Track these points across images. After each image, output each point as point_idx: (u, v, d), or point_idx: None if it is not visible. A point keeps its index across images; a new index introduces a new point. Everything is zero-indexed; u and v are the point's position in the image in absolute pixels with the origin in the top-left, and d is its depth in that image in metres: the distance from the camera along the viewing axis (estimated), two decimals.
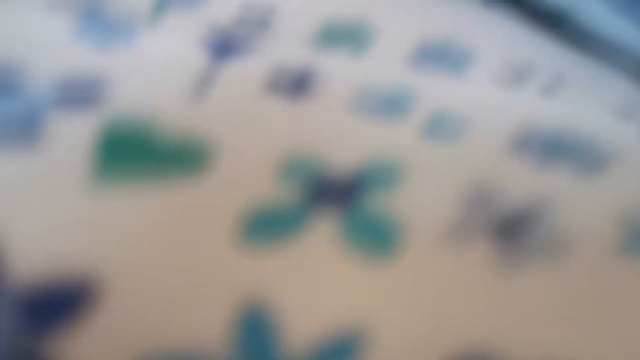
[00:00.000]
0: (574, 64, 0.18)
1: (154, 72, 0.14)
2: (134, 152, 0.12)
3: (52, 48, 0.14)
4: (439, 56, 0.17)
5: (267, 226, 0.11)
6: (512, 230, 0.12)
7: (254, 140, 0.13)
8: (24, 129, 0.12)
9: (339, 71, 0.15)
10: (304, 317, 0.10)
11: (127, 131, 0.12)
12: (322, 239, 0.11)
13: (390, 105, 0.15)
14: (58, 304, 0.09)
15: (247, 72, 0.15)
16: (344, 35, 0.17)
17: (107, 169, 0.12)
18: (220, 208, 0.11)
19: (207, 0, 0.18)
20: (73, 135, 0.12)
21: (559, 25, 0.21)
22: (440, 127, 0.14)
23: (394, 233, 0.11)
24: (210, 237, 0.11)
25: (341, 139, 0.13)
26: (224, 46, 0.16)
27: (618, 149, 0.14)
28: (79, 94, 0.13)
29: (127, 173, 0.12)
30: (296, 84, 0.15)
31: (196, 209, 0.11)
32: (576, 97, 0.16)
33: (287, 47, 0.16)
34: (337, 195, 0.12)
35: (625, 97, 0.16)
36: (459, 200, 0.12)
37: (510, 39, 0.18)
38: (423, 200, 0.12)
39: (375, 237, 0.11)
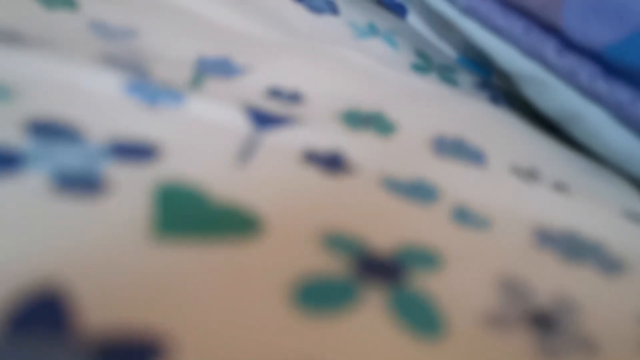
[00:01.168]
0: (578, 166, 0.19)
1: (201, 133, 0.15)
2: (190, 211, 0.12)
3: (105, 104, 0.15)
4: (455, 150, 0.18)
5: (318, 294, 0.11)
6: (546, 322, 0.12)
7: (297, 209, 0.13)
8: (84, 182, 0.12)
9: (368, 151, 0.16)
10: None
11: (181, 191, 0.13)
12: (373, 312, 0.11)
13: (417, 190, 0.15)
14: (126, 358, 0.09)
15: (285, 142, 0.16)
16: (367, 121, 0.18)
17: (166, 224, 0.12)
18: (271, 272, 0.12)
19: (242, 72, 0.18)
20: (130, 190, 0.12)
21: (561, 130, 0.22)
22: (466, 217, 0.15)
23: (437, 314, 0.12)
24: (266, 298, 0.11)
25: (378, 217, 0.14)
26: (263, 116, 0.16)
27: (632, 251, 0.15)
28: (134, 150, 0.14)
29: (185, 230, 0.12)
30: (329, 159, 0.16)
31: (250, 270, 0.12)
32: (584, 199, 0.17)
33: (317, 124, 0.17)
34: (383, 272, 0.12)
35: (629, 201, 0.18)
36: (493, 288, 0.13)
37: (517, 138, 0.19)
38: (461, 284, 0.13)
39: (421, 315, 0.12)
